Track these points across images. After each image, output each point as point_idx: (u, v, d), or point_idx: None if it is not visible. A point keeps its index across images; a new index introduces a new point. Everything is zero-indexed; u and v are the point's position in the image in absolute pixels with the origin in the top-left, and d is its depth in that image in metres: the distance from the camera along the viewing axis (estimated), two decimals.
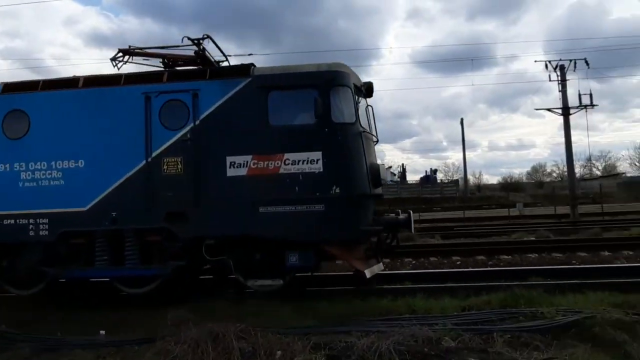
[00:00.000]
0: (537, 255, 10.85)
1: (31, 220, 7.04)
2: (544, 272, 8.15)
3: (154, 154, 6.93)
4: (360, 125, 7.01)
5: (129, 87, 7.18)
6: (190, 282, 7.97)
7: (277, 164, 6.67)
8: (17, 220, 7.07)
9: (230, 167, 6.74)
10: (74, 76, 7.65)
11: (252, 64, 7.13)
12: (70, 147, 7.10)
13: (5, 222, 7.09)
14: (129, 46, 7.82)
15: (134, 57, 7.85)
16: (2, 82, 7.64)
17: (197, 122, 6.90)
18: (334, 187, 6.60)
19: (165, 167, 6.89)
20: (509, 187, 57.69)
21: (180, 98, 7.00)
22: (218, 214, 6.73)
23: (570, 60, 24.35)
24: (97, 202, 6.97)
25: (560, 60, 24.51)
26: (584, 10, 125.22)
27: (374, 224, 7.02)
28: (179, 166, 6.86)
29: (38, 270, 7.09)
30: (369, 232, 7.01)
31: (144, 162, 6.93)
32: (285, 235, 6.65)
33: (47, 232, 7.01)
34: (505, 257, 10.73)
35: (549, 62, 24.70)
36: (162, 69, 7.75)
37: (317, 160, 6.63)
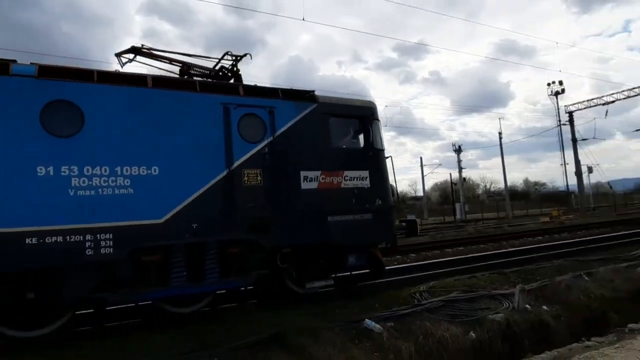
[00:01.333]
0: None
1: (89, 237, 5.80)
2: None
3: (235, 164, 6.95)
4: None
5: (207, 95, 7.04)
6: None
7: (339, 179, 7.82)
8: (68, 237, 5.68)
9: (304, 181, 7.47)
10: (135, 73, 7.01)
11: (314, 91, 8.02)
12: (140, 151, 6.30)
13: (49, 239, 5.55)
14: (142, 45, 7.72)
15: (140, 57, 7.69)
16: (33, 63, 5.99)
17: (275, 137, 7.33)
18: (378, 200, 8.12)
19: (245, 178, 7.00)
20: None
21: (257, 113, 7.28)
22: (297, 224, 7.35)
23: None
24: (175, 213, 6.41)
25: None
26: (300, 63, 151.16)
27: (398, 229, 8.85)
28: (259, 177, 7.09)
29: (58, 303, 5.88)
30: (396, 236, 8.75)
31: (226, 171, 6.87)
32: (346, 240, 7.77)
33: (111, 250, 5.92)
34: None
35: None
36: (176, 75, 7.72)
37: (366, 177, 8.08)
